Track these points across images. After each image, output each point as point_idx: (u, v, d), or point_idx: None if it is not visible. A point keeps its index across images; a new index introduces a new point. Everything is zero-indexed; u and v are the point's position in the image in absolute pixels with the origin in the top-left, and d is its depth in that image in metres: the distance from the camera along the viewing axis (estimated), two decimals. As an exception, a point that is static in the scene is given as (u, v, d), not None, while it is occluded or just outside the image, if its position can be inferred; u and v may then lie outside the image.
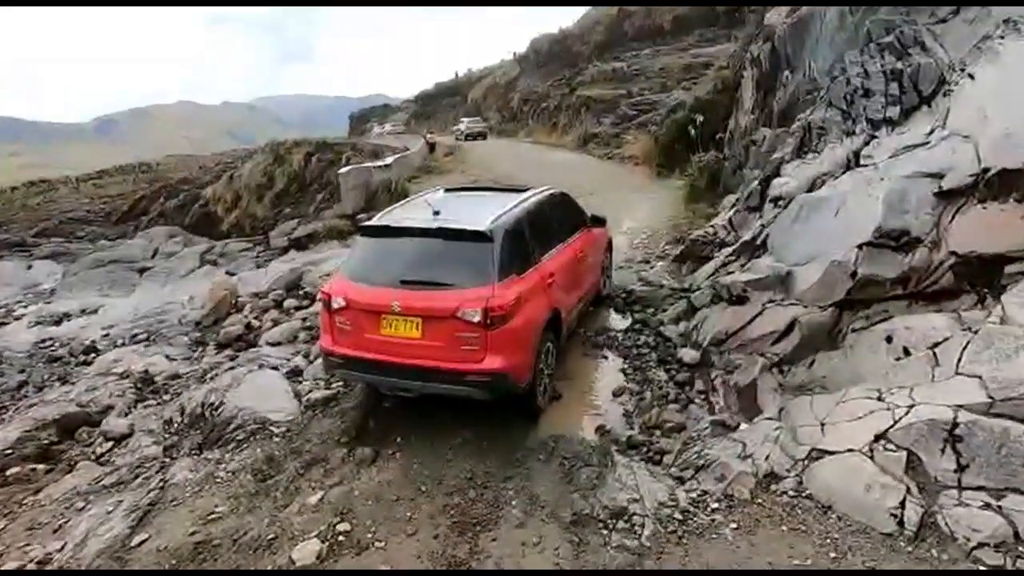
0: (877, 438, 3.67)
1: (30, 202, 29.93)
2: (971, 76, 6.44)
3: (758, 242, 6.71)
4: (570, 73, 33.51)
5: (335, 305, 4.65)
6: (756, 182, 7.92)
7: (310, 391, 5.74)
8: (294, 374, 6.18)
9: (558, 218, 5.98)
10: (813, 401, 4.33)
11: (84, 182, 34.26)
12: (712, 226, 8.35)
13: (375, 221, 5.19)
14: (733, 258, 7.07)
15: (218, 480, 4.43)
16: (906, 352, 4.33)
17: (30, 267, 19.21)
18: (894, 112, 7.03)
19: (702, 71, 25.43)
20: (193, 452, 4.93)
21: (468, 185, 7.05)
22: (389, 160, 20.29)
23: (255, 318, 8.34)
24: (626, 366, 6.04)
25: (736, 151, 11.49)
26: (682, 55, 29.51)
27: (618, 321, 7.11)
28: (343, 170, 18.41)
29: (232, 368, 6.40)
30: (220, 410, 5.33)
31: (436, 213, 4.88)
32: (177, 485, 4.39)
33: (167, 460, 4.81)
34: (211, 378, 6.44)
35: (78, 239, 24.11)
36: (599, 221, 6.94)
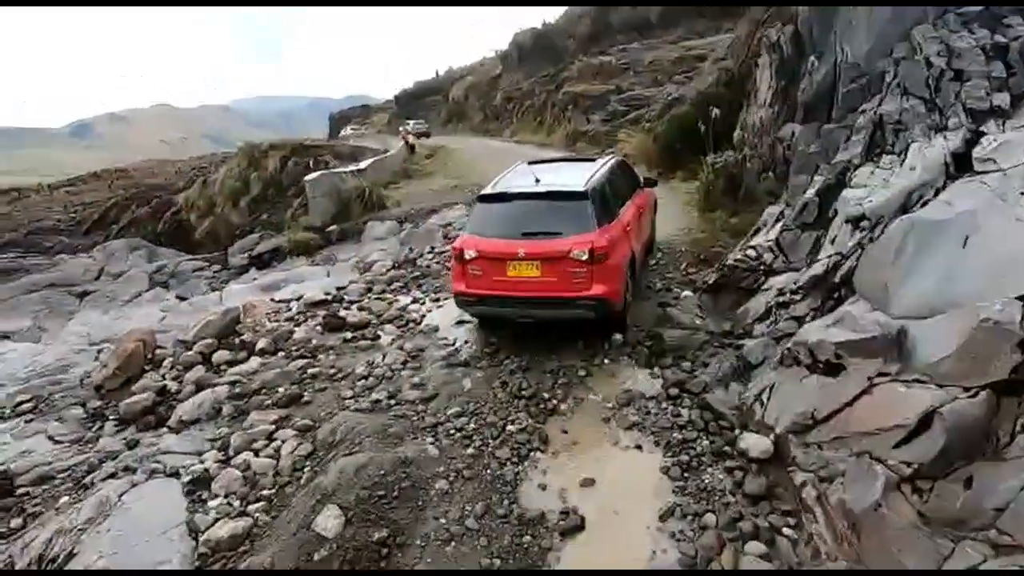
0: None
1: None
2: (1118, 49, 4.79)
3: (836, 279, 4.98)
4: (555, 69, 31.69)
5: (467, 256, 5.75)
6: (813, 191, 6.20)
7: (215, 521, 3.90)
8: (198, 487, 4.31)
9: (624, 180, 7.10)
10: (1020, 582, 2.58)
11: (57, 189, 31.98)
12: (753, 247, 6.61)
13: (490, 190, 6.30)
14: (798, 297, 5.33)
15: None
16: None
17: (-37, 290, 16.94)
18: (1003, 99, 5.34)
19: (695, 63, 23.73)
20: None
21: (543, 158, 8.69)
22: (363, 164, 18.33)
23: (174, 379, 6.47)
24: (669, 463, 4.29)
25: (760, 151, 9.78)
26: (672, 48, 27.81)
27: (645, 382, 5.35)
28: (310, 177, 16.43)
29: (113, 475, 4.54)
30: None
31: (537, 180, 6.10)
32: None
33: None
34: (89, 484, 4.60)
35: (45, 251, 21.88)
36: (651, 182, 8.01)
